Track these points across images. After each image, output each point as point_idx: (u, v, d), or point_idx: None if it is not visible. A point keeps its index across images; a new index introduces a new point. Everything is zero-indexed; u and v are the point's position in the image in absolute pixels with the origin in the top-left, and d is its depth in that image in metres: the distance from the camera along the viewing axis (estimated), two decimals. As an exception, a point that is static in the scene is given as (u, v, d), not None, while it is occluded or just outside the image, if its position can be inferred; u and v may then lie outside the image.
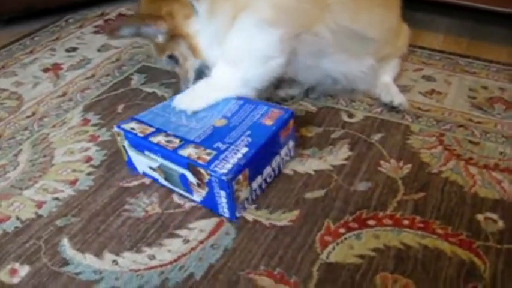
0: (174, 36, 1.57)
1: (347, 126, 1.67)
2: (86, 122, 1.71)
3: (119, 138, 1.45)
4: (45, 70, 2.02)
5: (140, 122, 1.46)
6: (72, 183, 1.46)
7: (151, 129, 1.42)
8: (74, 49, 2.17)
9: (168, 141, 1.37)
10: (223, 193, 1.28)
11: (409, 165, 1.50)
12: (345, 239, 1.27)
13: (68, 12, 2.45)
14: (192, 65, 1.61)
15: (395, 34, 1.79)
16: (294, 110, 1.72)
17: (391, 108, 1.74)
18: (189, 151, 1.33)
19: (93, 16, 2.43)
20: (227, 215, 1.33)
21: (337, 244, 1.25)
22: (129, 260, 1.22)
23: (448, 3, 2.22)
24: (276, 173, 1.45)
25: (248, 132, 1.39)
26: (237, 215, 1.33)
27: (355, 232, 1.29)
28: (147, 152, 1.38)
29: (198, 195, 1.35)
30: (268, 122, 1.42)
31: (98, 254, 1.24)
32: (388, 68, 1.84)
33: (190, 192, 1.36)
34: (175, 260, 1.22)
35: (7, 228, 1.32)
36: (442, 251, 1.24)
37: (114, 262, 1.22)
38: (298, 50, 1.54)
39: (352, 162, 1.51)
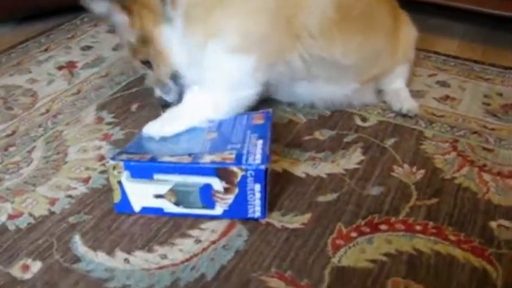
0: (144, 40, 1.54)
1: (360, 130, 1.67)
2: (99, 120, 1.71)
3: (115, 172, 1.29)
4: (60, 68, 2.03)
5: (130, 152, 1.36)
6: (85, 181, 1.46)
7: (149, 155, 1.34)
8: (89, 47, 2.18)
9: (178, 159, 1.31)
10: (258, 187, 1.27)
11: (422, 171, 1.50)
12: (357, 243, 1.26)
13: (83, 10, 2.45)
14: (165, 70, 1.58)
15: (388, 53, 1.75)
16: (307, 113, 1.73)
17: (402, 115, 1.73)
18: (208, 158, 1.30)
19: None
20: (258, 213, 1.31)
21: (349, 248, 1.25)
22: (140, 258, 1.22)
23: (463, 9, 2.21)
24: None
25: (249, 131, 1.40)
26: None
27: (367, 236, 1.28)
28: (156, 176, 1.29)
29: (222, 205, 1.31)
30: (260, 121, 1.44)
31: (110, 252, 1.24)
32: (395, 75, 1.83)
33: (211, 205, 1.31)
34: (187, 260, 1.22)
35: (20, 224, 1.32)
36: (455, 257, 1.23)
37: (126, 260, 1.22)
38: (270, 78, 1.55)
39: (365, 167, 1.51)
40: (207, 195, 1.30)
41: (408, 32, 1.84)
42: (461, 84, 1.95)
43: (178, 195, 1.31)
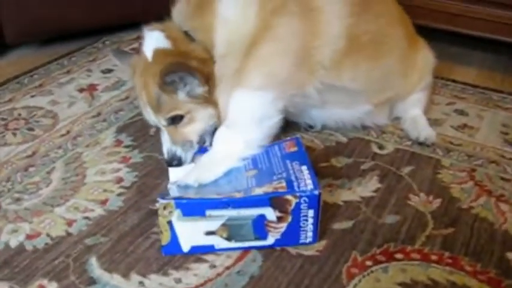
0: (203, 101, 1.53)
1: (377, 158, 1.67)
2: (118, 143, 1.73)
3: (165, 212, 1.27)
4: (81, 90, 2.06)
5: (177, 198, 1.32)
6: (103, 203, 1.47)
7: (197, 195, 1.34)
8: (110, 71, 2.21)
9: (229, 195, 1.30)
10: (311, 213, 1.28)
11: (439, 200, 1.49)
12: (372, 271, 1.26)
13: (105, 34, 2.50)
14: (200, 128, 1.56)
15: (400, 76, 1.77)
16: (325, 140, 1.73)
17: (419, 143, 1.73)
18: (260, 190, 1.30)
19: (129, 39, 2.48)
20: (310, 239, 1.32)
21: (364, 277, 1.24)
22: (155, 282, 1.23)
23: (482, 37, 2.22)
24: None
25: (288, 161, 1.40)
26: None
27: (382, 265, 1.28)
28: (209, 212, 1.27)
29: (275, 234, 1.30)
30: (293, 149, 1.44)
31: (125, 275, 1.25)
32: (412, 102, 1.84)
33: (264, 236, 1.30)
34: (202, 285, 1.22)
35: (37, 244, 1.34)
36: (470, 288, 1.22)
37: (141, 284, 1.23)
38: (288, 105, 1.58)
39: (381, 195, 1.51)
40: (260, 226, 1.29)
41: (425, 57, 1.85)
42: (480, 113, 1.94)
43: (231, 229, 1.29)
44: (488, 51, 2.44)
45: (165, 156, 1.56)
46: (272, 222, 1.29)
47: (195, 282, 1.23)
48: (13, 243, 1.34)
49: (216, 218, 1.28)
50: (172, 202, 1.26)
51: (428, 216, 1.43)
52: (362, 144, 1.73)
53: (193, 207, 1.28)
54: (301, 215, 1.28)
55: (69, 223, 1.40)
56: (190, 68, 1.47)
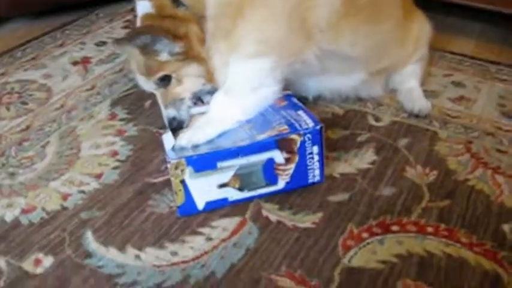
0: (185, 58, 1.52)
1: (373, 130, 1.66)
2: (113, 116, 1.72)
3: (177, 172, 1.28)
4: (75, 63, 2.04)
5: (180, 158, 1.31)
6: (98, 176, 1.47)
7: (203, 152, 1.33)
8: (104, 43, 2.19)
9: (235, 144, 1.33)
10: (316, 149, 1.34)
11: (435, 172, 1.49)
12: (368, 243, 1.26)
13: (98, 6, 2.47)
14: (191, 87, 1.54)
15: (397, 45, 1.75)
16: (321, 112, 1.72)
17: (414, 115, 1.73)
18: (265, 135, 1.34)
19: (123, 11, 2.45)
20: (318, 177, 1.40)
21: (360, 248, 1.25)
22: (151, 255, 1.23)
23: (481, 8, 2.19)
24: None
25: (281, 111, 1.43)
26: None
27: (378, 237, 1.28)
28: (220, 164, 1.30)
29: (284, 177, 1.36)
30: (283, 103, 1.47)
31: (121, 248, 1.25)
32: (408, 73, 1.82)
33: (274, 180, 1.36)
34: (197, 258, 1.23)
35: (33, 218, 1.33)
36: (466, 260, 1.22)
37: (137, 257, 1.23)
38: (287, 75, 1.55)
39: (377, 167, 1.50)
40: (270, 171, 1.34)
41: (422, 28, 1.82)
42: (477, 85, 1.93)
43: (242, 178, 1.34)
44: (486, 23, 2.42)
45: (166, 122, 1.56)
46: (281, 164, 1.34)
47: (191, 255, 1.23)
48: (8, 217, 1.34)
49: (227, 169, 1.32)
50: (183, 160, 1.28)
51: (424, 189, 1.43)
52: (358, 116, 1.72)
53: (205, 161, 1.30)
54: (307, 152, 1.35)
55: (65, 197, 1.40)
56: (155, 29, 1.46)
